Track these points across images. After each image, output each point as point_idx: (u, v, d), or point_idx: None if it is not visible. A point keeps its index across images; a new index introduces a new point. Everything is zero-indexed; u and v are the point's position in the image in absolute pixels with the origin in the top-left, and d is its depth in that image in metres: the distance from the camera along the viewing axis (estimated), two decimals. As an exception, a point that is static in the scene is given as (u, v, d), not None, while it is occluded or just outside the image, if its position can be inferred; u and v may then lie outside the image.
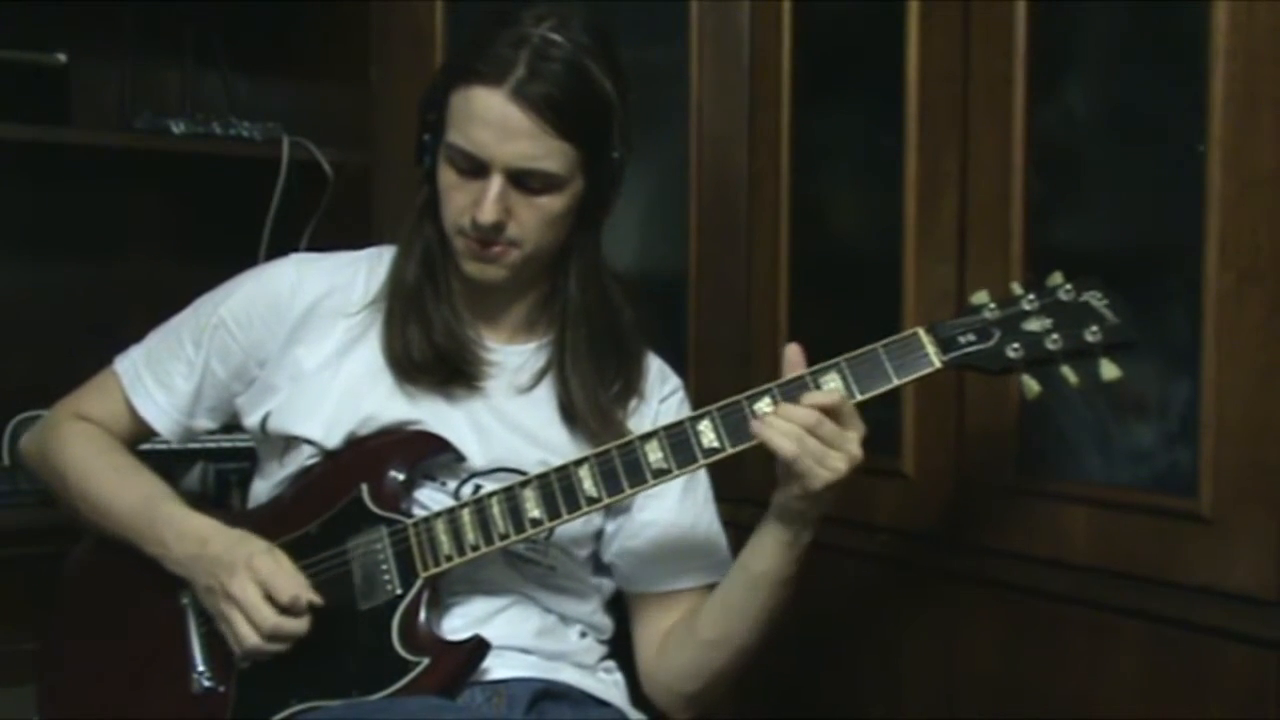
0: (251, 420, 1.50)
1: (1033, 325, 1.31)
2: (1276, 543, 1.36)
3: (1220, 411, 1.40)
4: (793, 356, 1.35)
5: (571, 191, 1.40)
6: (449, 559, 1.38)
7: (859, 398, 1.32)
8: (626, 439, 1.37)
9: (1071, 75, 1.61)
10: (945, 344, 1.32)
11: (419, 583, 1.38)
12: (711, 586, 1.49)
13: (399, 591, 1.38)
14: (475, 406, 1.46)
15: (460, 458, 1.43)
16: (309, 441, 1.44)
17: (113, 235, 2.40)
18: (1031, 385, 1.32)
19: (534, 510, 1.36)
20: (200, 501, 1.64)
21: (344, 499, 1.42)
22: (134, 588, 1.48)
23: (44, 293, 2.34)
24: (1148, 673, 1.47)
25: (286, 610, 1.35)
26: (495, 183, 1.37)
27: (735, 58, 2.02)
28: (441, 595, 1.42)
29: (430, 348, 1.44)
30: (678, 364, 1.61)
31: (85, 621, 1.53)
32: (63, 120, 2.12)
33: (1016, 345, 1.31)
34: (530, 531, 1.37)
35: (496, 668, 1.40)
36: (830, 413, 1.29)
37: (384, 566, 1.39)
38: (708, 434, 1.34)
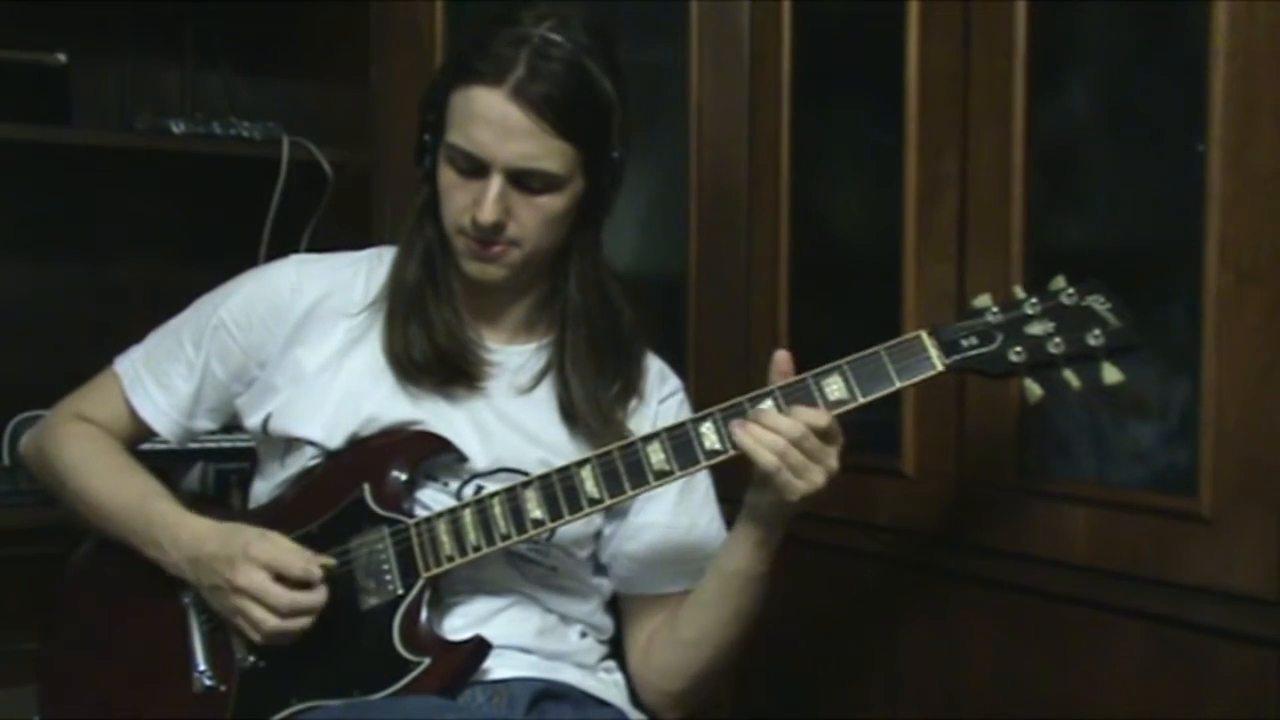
0: (252, 421, 1.49)
1: (1035, 329, 1.31)
2: (1276, 543, 1.36)
3: (1220, 411, 1.40)
4: (781, 364, 1.35)
5: (571, 191, 1.40)
6: (451, 559, 1.38)
7: (861, 400, 1.32)
8: (628, 440, 1.37)
9: (1071, 75, 1.61)
10: (947, 347, 1.33)
11: (420, 583, 1.38)
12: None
13: (400, 591, 1.38)
14: (476, 407, 1.46)
15: (462, 458, 1.43)
16: (310, 442, 1.44)
17: (113, 235, 2.40)
18: (1034, 389, 1.32)
19: (536, 511, 1.36)
20: (200, 501, 1.64)
21: (346, 499, 1.42)
22: (135, 587, 1.48)
23: (44, 293, 2.35)
24: (1147, 673, 1.47)
25: (301, 585, 1.35)
26: (495, 183, 1.37)
27: (735, 58, 2.02)
28: (443, 595, 1.42)
29: (431, 348, 1.44)
30: (678, 364, 1.61)
31: (86, 621, 1.53)
32: (63, 120, 2.12)
33: (1019, 349, 1.31)
34: (532, 532, 1.37)
35: (497, 667, 1.40)
36: (813, 427, 1.30)
37: (385, 566, 1.39)
38: (710, 436, 1.34)
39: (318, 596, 1.36)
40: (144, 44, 2.37)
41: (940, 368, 1.32)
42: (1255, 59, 1.37)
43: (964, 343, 1.33)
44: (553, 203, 1.39)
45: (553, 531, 1.41)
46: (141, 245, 2.41)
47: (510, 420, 1.46)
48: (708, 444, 1.34)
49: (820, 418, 1.30)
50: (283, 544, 1.38)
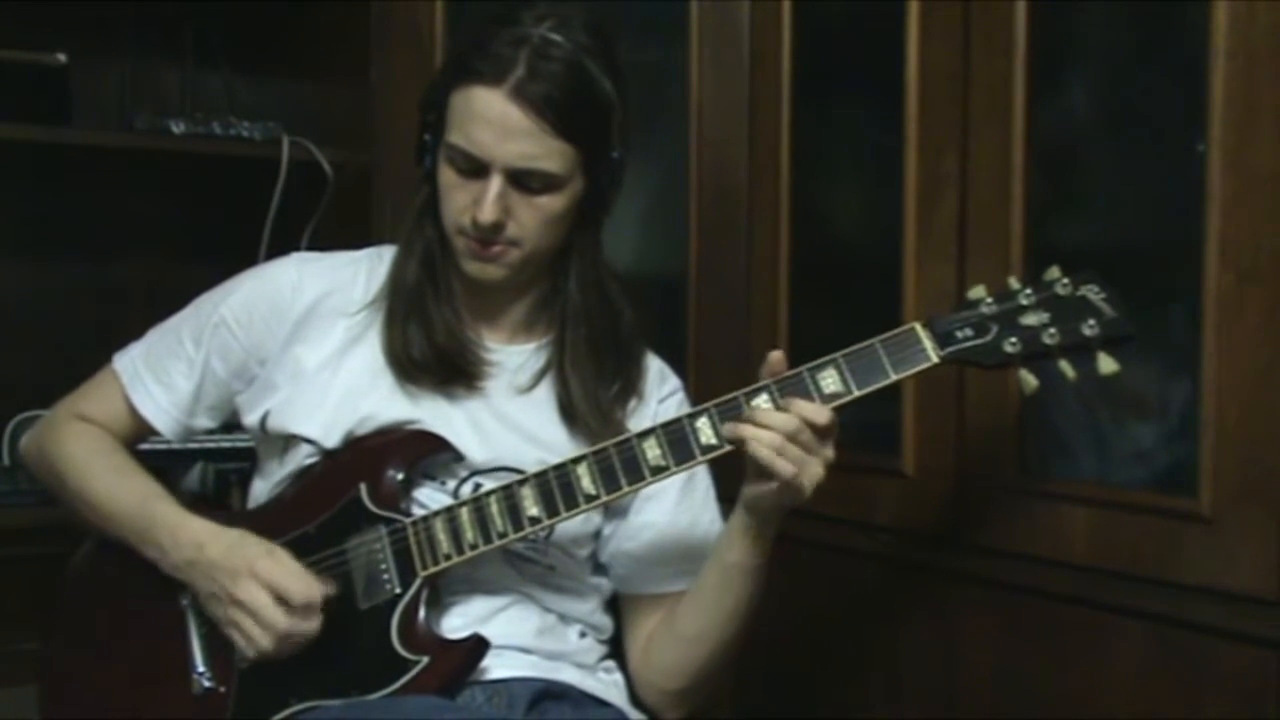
0: (251, 419, 1.49)
1: (1030, 319, 1.31)
2: (1276, 542, 1.36)
3: (1220, 411, 1.40)
4: (774, 365, 1.35)
5: (571, 191, 1.40)
6: (448, 558, 1.38)
7: (856, 393, 1.32)
8: (624, 436, 1.37)
9: (1071, 75, 1.61)
10: (942, 339, 1.32)
11: (418, 582, 1.38)
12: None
13: (398, 591, 1.38)
14: (475, 406, 1.46)
15: (459, 457, 1.43)
16: (308, 440, 1.44)
17: (113, 235, 2.40)
18: (1029, 380, 1.32)
19: (532, 508, 1.36)
20: (200, 501, 1.64)
21: (343, 498, 1.42)
22: (135, 588, 1.48)
23: (44, 293, 2.35)
24: (1147, 672, 1.47)
25: (301, 611, 1.35)
26: (495, 183, 1.37)
27: (735, 58, 2.02)
28: (441, 594, 1.42)
29: (431, 348, 1.44)
30: (678, 364, 1.61)
31: (86, 622, 1.53)
32: (63, 120, 2.12)
33: (1014, 340, 1.31)
34: (528, 530, 1.37)
35: (496, 667, 1.40)
36: (811, 422, 1.30)
37: (383, 566, 1.39)
38: (705, 431, 1.34)
39: (313, 625, 1.36)
40: (144, 44, 2.37)
41: (935, 359, 1.32)
42: (1255, 59, 1.37)
43: (959, 334, 1.32)
44: (552, 203, 1.39)
45: (551, 530, 1.41)
46: (141, 245, 2.42)
47: (509, 420, 1.46)
48: (703, 439, 1.34)
49: (817, 413, 1.30)
50: (290, 566, 1.37)
